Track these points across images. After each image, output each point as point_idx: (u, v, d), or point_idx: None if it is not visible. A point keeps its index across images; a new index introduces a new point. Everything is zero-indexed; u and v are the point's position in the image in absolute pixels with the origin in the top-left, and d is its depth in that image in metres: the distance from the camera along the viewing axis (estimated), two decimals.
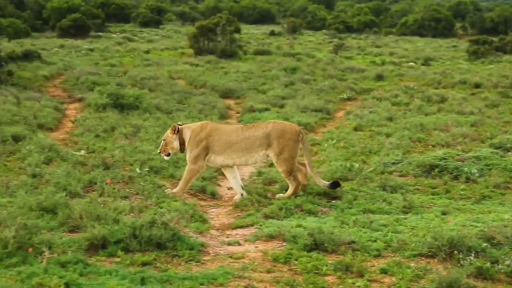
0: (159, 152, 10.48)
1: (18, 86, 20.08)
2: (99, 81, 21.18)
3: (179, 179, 10.31)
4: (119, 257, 7.04)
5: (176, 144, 10.23)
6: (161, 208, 8.80)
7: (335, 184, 10.05)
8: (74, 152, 11.92)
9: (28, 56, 27.38)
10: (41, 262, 6.65)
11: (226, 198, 10.35)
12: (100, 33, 46.72)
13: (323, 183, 10.03)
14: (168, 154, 10.36)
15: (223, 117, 17.43)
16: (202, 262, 7.20)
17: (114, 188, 9.58)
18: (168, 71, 26.18)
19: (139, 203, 9.08)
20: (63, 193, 8.91)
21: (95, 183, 9.83)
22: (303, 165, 10.19)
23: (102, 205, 8.56)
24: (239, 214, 9.38)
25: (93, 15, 50.51)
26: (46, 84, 21.97)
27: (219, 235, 8.34)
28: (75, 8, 49.96)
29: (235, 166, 10.27)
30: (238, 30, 44.81)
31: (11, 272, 6.36)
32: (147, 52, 34.83)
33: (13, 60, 25.43)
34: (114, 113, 16.03)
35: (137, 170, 10.79)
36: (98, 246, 7.21)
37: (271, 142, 9.88)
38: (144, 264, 6.91)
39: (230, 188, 10.78)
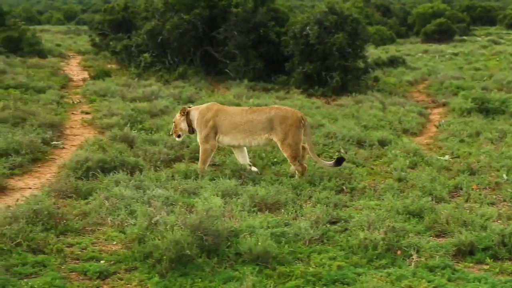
0: (171, 134, 11.30)
1: (384, 92, 20.73)
2: (463, 86, 21.02)
3: None
4: (487, 264, 6.93)
5: (183, 125, 10.85)
6: None
7: (339, 161, 10.20)
8: (439, 157, 11.92)
9: (393, 62, 28.06)
10: (409, 265, 6.80)
11: None
12: (465, 37, 46.12)
13: (327, 163, 10.28)
14: (179, 136, 10.99)
15: None
16: None
17: (480, 194, 9.42)
18: None
19: (506, 210, 8.80)
20: (428, 197, 8.96)
21: (461, 188, 9.75)
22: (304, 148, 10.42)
23: (468, 211, 8.49)
24: None
25: (457, 19, 50.01)
26: (410, 89, 22.32)
27: None
28: (440, 13, 49.82)
29: (245, 147, 10.66)
30: None
31: (381, 273, 6.59)
32: None
33: (378, 66, 26.30)
34: (478, 118, 15.77)
35: (504, 176, 10.46)
36: (465, 252, 7.17)
37: (274, 127, 10.20)
38: None
39: None
